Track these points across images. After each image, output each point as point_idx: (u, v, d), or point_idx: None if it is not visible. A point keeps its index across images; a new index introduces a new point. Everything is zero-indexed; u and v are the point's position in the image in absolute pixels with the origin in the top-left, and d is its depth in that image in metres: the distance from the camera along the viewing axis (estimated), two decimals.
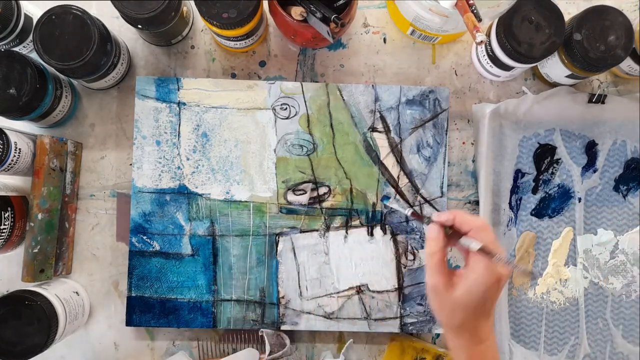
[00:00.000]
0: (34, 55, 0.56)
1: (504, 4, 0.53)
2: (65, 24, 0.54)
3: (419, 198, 0.63)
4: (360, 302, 0.62)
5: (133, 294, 0.61)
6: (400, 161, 0.63)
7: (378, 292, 0.62)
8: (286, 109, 0.63)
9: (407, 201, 0.63)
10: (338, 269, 0.62)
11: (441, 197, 0.63)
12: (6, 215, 0.55)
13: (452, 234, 0.48)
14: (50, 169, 0.58)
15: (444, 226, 0.48)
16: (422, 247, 0.63)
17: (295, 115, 0.63)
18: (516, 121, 0.64)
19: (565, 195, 0.65)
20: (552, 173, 0.65)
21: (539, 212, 0.65)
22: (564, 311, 0.64)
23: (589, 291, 0.65)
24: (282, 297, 0.62)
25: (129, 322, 0.61)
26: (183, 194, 0.62)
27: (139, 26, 0.56)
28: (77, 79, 0.60)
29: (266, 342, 0.60)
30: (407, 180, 0.63)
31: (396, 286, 0.62)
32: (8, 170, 0.56)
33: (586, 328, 0.64)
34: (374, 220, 0.63)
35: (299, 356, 0.64)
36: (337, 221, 0.62)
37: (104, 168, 0.64)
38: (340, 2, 0.56)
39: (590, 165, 0.65)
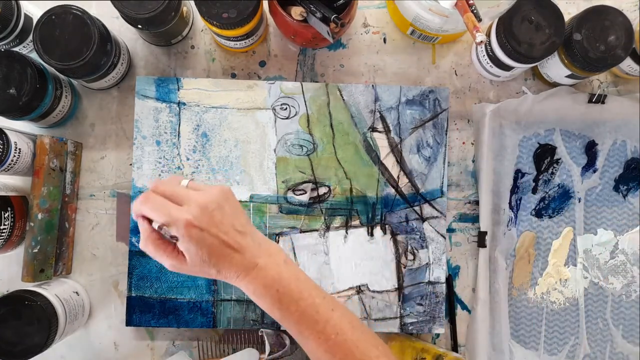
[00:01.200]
0: (34, 55, 0.56)
1: (503, 4, 0.53)
2: (65, 24, 0.54)
3: (419, 198, 0.63)
4: (360, 302, 0.62)
5: (133, 294, 0.61)
6: (400, 161, 0.63)
7: (378, 292, 0.62)
8: (286, 109, 0.63)
9: (406, 201, 0.63)
10: (338, 269, 0.62)
11: (441, 197, 0.63)
12: (6, 215, 0.55)
13: None
14: (50, 169, 0.58)
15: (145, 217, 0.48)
16: (422, 247, 0.63)
17: (295, 115, 0.63)
18: (516, 121, 0.64)
19: (565, 195, 0.65)
20: (552, 173, 0.65)
21: (539, 212, 0.65)
22: (564, 311, 0.64)
23: (589, 291, 0.65)
24: None
25: (129, 322, 0.61)
26: None
27: (139, 26, 0.56)
28: (77, 79, 0.60)
29: (266, 342, 0.59)
30: (407, 180, 0.63)
31: (396, 286, 0.62)
32: (8, 170, 0.56)
33: (586, 328, 0.64)
34: (374, 220, 0.63)
35: (298, 356, 0.64)
36: (337, 221, 0.62)
37: (104, 168, 0.64)
38: (340, 2, 0.56)
39: (590, 165, 0.65)
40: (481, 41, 0.49)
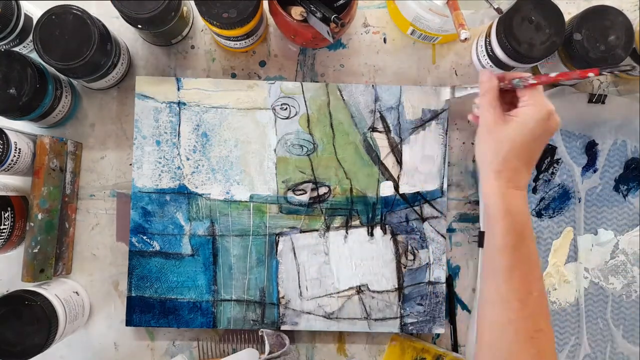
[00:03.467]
0: (34, 55, 0.56)
1: (503, 4, 0.53)
2: (65, 24, 0.54)
3: (419, 198, 0.63)
4: (360, 302, 0.62)
5: (133, 294, 0.61)
6: (400, 161, 0.63)
7: (378, 292, 0.62)
8: (286, 109, 0.63)
9: (407, 201, 0.63)
10: (338, 269, 0.62)
11: (441, 197, 0.63)
12: (6, 215, 0.55)
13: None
14: (50, 169, 0.58)
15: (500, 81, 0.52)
16: (422, 247, 0.63)
17: (295, 115, 0.63)
18: None
19: (565, 195, 0.65)
20: (552, 173, 0.65)
21: (539, 212, 0.65)
22: (564, 311, 0.64)
23: (589, 291, 0.65)
24: (282, 297, 0.62)
25: (129, 322, 0.61)
26: (183, 194, 0.62)
27: (139, 26, 0.56)
28: (77, 79, 0.60)
29: (266, 342, 0.59)
30: (407, 180, 0.63)
31: (396, 286, 0.62)
32: (8, 170, 0.56)
33: (586, 328, 0.64)
34: (374, 220, 0.63)
35: (298, 356, 0.64)
36: (337, 221, 0.62)
37: (104, 168, 0.64)
38: (340, 2, 0.56)
39: (590, 165, 0.65)
40: (465, 38, 0.50)
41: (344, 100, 0.63)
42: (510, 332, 0.46)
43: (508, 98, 0.52)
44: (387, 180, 0.63)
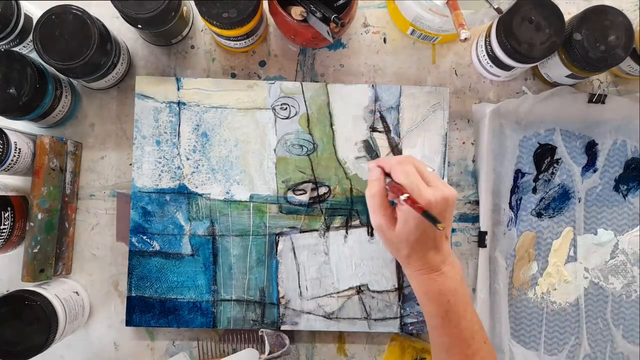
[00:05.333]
0: (34, 55, 0.56)
1: (503, 4, 0.53)
2: (65, 24, 0.54)
3: None
4: (360, 302, 0.62)
5: (133, 294, 0.61)
6: None
7: (378, 292, 0.62)
8: (286, 109, 0.63)
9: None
10: (338, 269, 0.62)
11: None
12: (6, 215, 0.55)
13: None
14: (50, 169, 0.58)
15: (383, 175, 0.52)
16: None
17: (295, 115, 0.63)
18: (516, 121, 0.64)
19: (565, 195, 0.65)
20: (552, 173, 0.65)
21: (539, 212, 0.65)
22: (564, 311, 0.64)
23: (589, 291, 0.65)
24: (282, 297, 0.62)
25: (129, 322, 0.61)
26: (183, 194, 0.62)
27: (139, 26, 0.56)
28: (77, 79, 0.60)
29: (266, 342, 0.60)
30: None
31: (396, 286, 0.62)
32: (8, 170, 0.56)
33: (586, 328, 0.64)
34: None
35: (298, 356, 0.64)
36: (337, 221, 0.62)
37: (104, 168, 0.64)
38: (340, 2, 0.56)
39: (590, 165, 0.65)
40: (465, 38, 0.50)
41: (343, 100, 0.63)
42: None
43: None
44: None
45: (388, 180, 0.52)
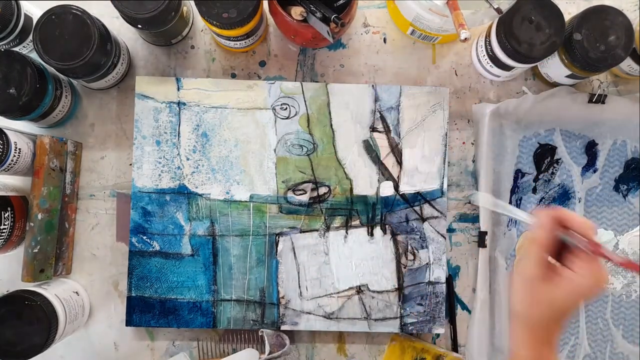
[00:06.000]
0: (34, 55, 0.56)
1: (503, 4, 0.53)
2: (65, 24, 0.54)
3: (419, 198, 0.63)
4: (360, 302, 0.62)
5: (133, 294, 0.61)
6: (400, 161, 0.63)
7: (378, 292, 0.62)
8: (286, 109, 0.63)
9: (407, 201, 0.63)
10: (338, 269, 0.62)
11: (441, 197, 0.63)
12: (6, 215, 0.55)
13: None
14: (50, 169, 0.58)
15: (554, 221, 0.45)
16: (422, 247, 0.63)
17: (295, 115, 0.63)
18: (516, 121, 0.64)
19: (565, 195, 0.65)
20: (552, 173, 0.65)
21: None
22: None
23: None
24: (282, 297, 0.62)
25: (128, 322, 0.61)
26: (183, 194, 0.62)
27: (139, 26, 0.56)
28: (77, 79, 0.60)
29: (266, 342, 0.60)
30: (407, 180, 0.63)
31: (396, 286, 0.62)
32: (8, 170, 0.56)
33: (586, 328, 0.64)
34: (374, 220, 0.63)
35: (298, 356, 0.64)
36: (337, 221, 0.62)
37: (104, 168, 0.64)
38: (340, 2, 0.56)
39: (590, 165, 0.65)
40: (465, 38, 0.50)
41: (344, 100, 0.63)
42: None
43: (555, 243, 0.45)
44: (387, 180, 0.63)
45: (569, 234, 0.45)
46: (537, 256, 0.44)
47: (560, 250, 0.45)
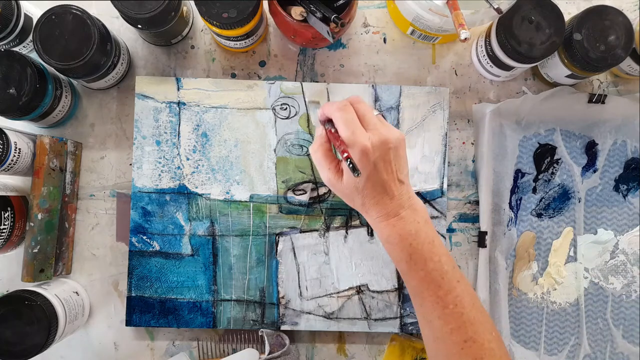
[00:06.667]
0: (34, 55, 0.56)
1: (503, 4, 0.53)
2: (65, 24, 0.54)
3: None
4: (360, 302, 0.62)
5: (133, 294, 0.61)
6: None
7: (378, 292, 0.62)
8: (286, 109, 0.63)
9: None
10: (338, 269, 0.62)
11: (441, 197, 0.63)
12: (6, 215, 0.55)
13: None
14: (50, 169, 0.58)
15: (324, 123, 0.52)
16: None
17: (295, 115, 0.63)
18: (516, 121, 0.64)
19: (565, 195, 0.65)
20: (552, 173, 0.65)
21: (539, 212, 0.65)
22: (564, 311, 0.64)
23: (589, 291, 0.65)
24: (282, 297, 0.62)
25: (128, 322, 0.61)
26: (183, 194, 0.62)
27: (139, 26, 0.56)
28: (77, 79, 0.60)
29: (266, 342, 0.60)
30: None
31: (396, 286, 0.62)
32: (8, 170, 0.56)
33: (586, 328, 0.64)
34: None
35: (298, 356, 0.64)
36: (337, 221, 0.62)
37: (104, 168, 0.64)
38: (340, 2, 0.56)
39: (590, 165, 0.65)
40: (465, 38, 0.50)
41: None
42: (440, 349, 0.47)
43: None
44: None
45: (328, 126, 0.51)
46: (321, 160, 0.51)
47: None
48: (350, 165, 0.46)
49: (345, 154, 0.47)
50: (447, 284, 0.47)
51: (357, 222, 0.63)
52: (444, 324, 0.46)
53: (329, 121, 0.52)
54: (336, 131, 0.50)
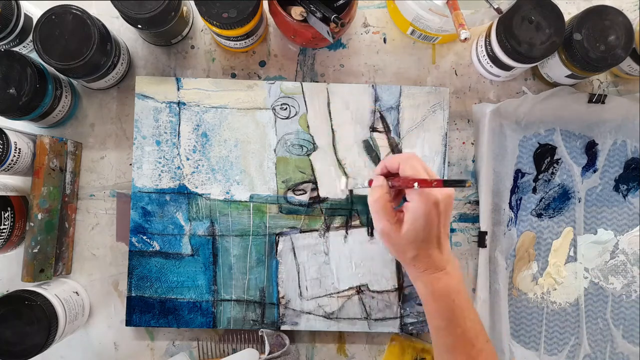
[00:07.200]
0: (34, 55, 0.56)
1: (503, 4, 0.53)
2: (65, 24, 0.54)
3: None
4: (360, 302, 0.62)
5: (133, 294, 0.61)
6: None
7: (378, 292, 0.62)
8: (286, 109, 0.63)
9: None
10: (338, 269, 0.62)
11: None
12: (6, 215, 0.55)
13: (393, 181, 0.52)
14: (50, 169, 0.58)
15: (385, 176, 0.52)
16: None
17: (295, 115, 0.63)
18: (516, 121, 0.64)
19: (565, 195, 0.65)
20: (552, 173, 0.65)
21: (539, 212, 0.65)
22: (564, 311, 0.64)
23: (589, 291, 0.65)
24: (282, 297, 0.62)
25: (128, 322, 0.61)
26: (183, 194, 0.62)
27: (139, 26, 0.56)
28: (77, 79, 0.60)
29: (266, 342, 0.60)
30: None
31: (396, 286, 0.62)
32: (8, 170, 0.56)
33: (586, 328, 0.64)
34: None
35: (298, 356, 0.64)
36: (337, 221, 0.62)
37: (104, 168, 0.64)
38: (340, 2, 0.56)
39: (590, 165, 0.65)
40: (465, 38, 0.50)
41: (343, 100, 0.63)
42: None
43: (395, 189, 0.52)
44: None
45: (392, 180, 0.52)
46: (380, 211, 0.50)
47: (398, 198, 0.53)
48: (452, 183, 0.46)
49: (435, 183, 0.47)
50: (479, 343, 0.48)
51: (357, 222, 0.63)
52: None
53: (389, 176, 0.52)
54: (406, 177, 0.50)
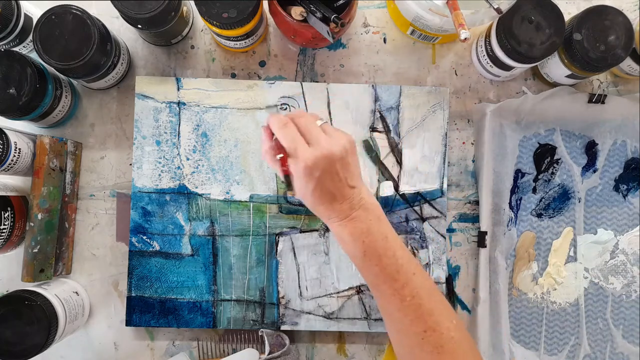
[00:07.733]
0: (34, 55, 0.56)
1: (503, 4, 0.53)
2: (65, 24, 0.54)
3: (419, 198, 0.63)
4: (360, 302, 0.62)
5: (133, 294, 0.61)
6: (400, 161, 0.63)
7: None
8: (286, 109, 0.63)
9: (406, 201, 0.63)
10: (338, 269, 0.62)
11: (441, 197, 0.63)
12: (6, 215, 0.55)
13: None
14: (50, 169, 0.58)
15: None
16: (422, 247, 0.63)
17: None
18: (516, 121, 0.64)
19: (565, 195, 0.65)
20: (552, 173, 0.65)
21: (539, 212, 0.65)
22: (564, 311, 0.64)
23: (589, 291, 0.65)
24: (282, 297, 0.62)
25: (128, 322, 0.61)
26: (183, 194, 0.62)
27: (139, 26, 0.56)
28: (77, 79, 0.60)
29: (266, 342, 0.60)
30: (407, 180, 0.63)
31: None
32: (8, 170, 0.56)
33: (586, 328, 0.64)
34: None
35: (298, 356, 0.64)
36: None
37: (104, 168, 0.64)
38: (340, 2, 0.56)
39: (590, 165, 0.65)
40: (465, 38, 0.50)
41: (343, 100, 0.63)
42: (403, 340, 0.49)
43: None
44: (387, 180, 0.63)
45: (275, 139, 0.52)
46: (272, 164, 0.51)
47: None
48: (287, 183, 0.49)
49: (283, 169, 0.49)
50: (402, 277, 0.49)
51: None
52: (403, 316, 0.48)
53: (270, 133, 0.52)
54: (280, 147, 0.50)
